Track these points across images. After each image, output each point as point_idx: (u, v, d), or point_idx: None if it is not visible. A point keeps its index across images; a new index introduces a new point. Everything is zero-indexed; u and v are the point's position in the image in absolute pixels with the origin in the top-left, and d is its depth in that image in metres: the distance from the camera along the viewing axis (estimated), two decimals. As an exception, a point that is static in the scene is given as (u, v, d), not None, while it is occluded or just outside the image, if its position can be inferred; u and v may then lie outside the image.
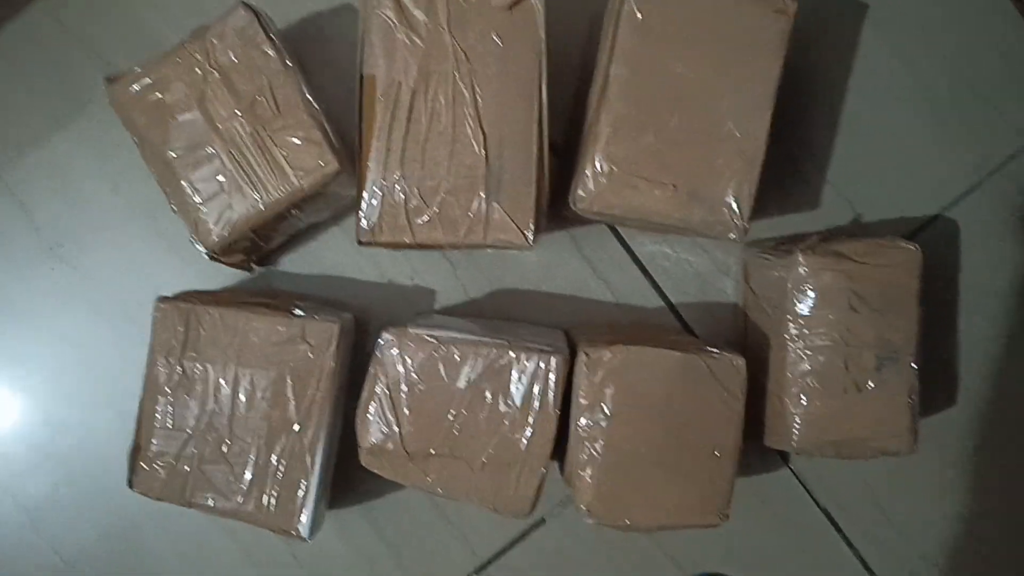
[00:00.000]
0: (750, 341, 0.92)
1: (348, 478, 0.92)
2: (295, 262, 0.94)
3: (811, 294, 0.82)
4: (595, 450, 0.79)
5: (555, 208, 0.86)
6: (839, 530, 0.96)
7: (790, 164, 0.95)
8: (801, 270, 0.82)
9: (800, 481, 0.96)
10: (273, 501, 0.80)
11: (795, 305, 0.83)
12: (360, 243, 0.78)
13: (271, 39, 0.80)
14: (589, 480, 0.79)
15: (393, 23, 0.76)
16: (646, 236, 0.95)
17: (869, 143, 0.96)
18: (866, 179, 0.96)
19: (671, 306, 0.96)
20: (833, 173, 0.95)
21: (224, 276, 0.92)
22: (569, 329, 0.93)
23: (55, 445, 0.95)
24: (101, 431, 0.94)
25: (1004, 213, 0.96)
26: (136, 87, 0.80)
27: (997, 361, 0.96)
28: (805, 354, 0.82)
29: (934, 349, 0.95)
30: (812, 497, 0.96)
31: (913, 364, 0.82)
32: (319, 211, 0.88)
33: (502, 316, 0.95)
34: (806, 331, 0.82)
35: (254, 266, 0.90)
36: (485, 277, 0.95)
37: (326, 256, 0.94)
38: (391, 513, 0.95)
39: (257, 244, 0.85)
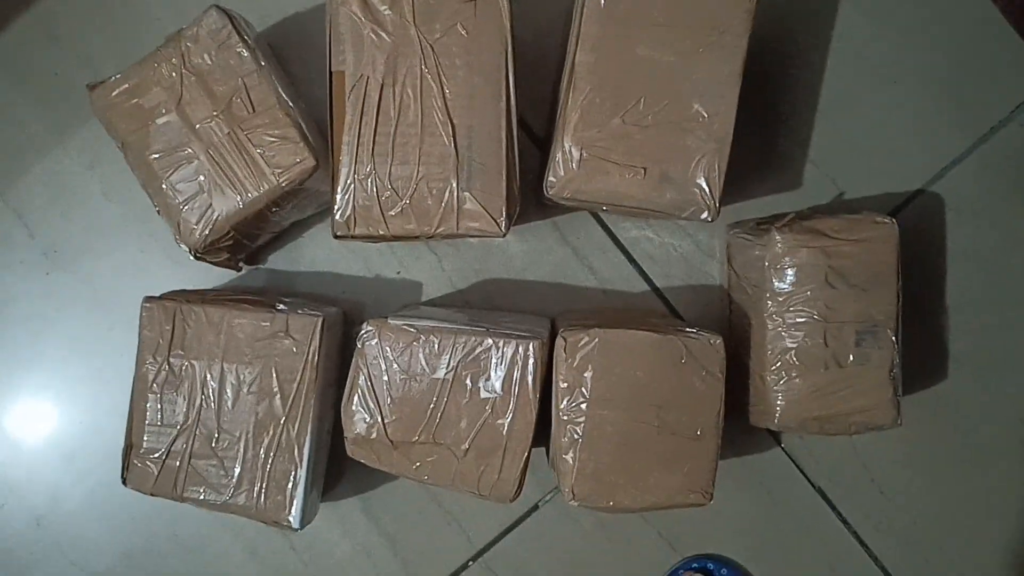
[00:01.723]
0: (734, 322, 0.92)
1: (344, 470, 0.94)
2: (283, 260, 0.96)
3: (788, 271, 0.82)
4: (577, 433, 0.79)
5: (538, 197, 0.87)
6: (832, 506, 0.96)
7: (771, 145, 0.95)
8: (778, 248, 0.82)
9: (792, 459, 0.96)
10: (263, 493, 0.82)
11: (773, 283, 0.83)
12: (336, 237, 0.79)
13: (245, 40, 0.81)
14: (571, 463, 0.79)
15: (360, 19, 0.77)
16: (629, 222, 0.95)
17: (850, 120, 0.95)
18: (849, 157, 0.95)
19: (656, 290, 0.96)
20: (815, 152, 0.95)
21: (214, 276, 0.94)
22: (555, 316, 0.94)
23: (58, 445, 0.97)
24: (102, 430, 0.96)
25: (989, 185, 0.95)
26: (116, 93, 0.82)
27: (986, 332, 0.96)
28: (785, 331, 0.82)
29: (923, 323, 0.94)
30: (804, 474, 0.96)
31: (893, 337, 0.82)
32: (301, 208, 0.89)
33: (489, 306, 0.96)
34: (785, 308, 0.82)
35: (242, 265, 0.91)
36: (471, 267, 0.96)
37: (313, 253, 0.96)
38: (387, 503, 0.96)
39: (241, 243, 0.87)
